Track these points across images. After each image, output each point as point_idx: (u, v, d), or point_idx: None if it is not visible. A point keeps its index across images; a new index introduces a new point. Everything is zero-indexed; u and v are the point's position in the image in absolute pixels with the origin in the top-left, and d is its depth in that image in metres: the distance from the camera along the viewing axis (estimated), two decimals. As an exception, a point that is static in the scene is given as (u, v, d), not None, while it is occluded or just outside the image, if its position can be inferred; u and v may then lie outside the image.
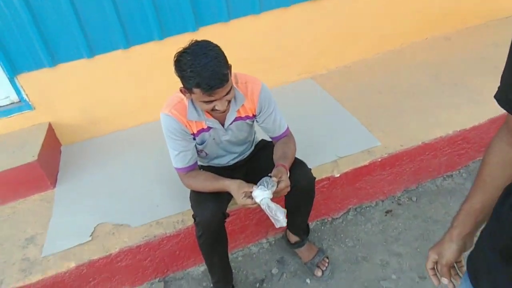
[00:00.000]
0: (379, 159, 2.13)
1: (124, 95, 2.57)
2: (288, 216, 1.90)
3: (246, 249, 2.12)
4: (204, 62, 1.32)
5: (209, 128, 1.62)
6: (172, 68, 1.41)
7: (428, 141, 2.20)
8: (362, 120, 2.43)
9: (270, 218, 1.44)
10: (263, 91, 1.63)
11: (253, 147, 1.90)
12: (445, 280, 0.95)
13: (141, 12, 2.34)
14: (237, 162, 1.85)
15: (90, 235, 1.90)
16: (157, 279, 2.01)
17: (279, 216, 1.43)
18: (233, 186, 1.51)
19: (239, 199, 1.48)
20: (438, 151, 2.26)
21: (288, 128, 1.77)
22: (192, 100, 1.54)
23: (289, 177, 1.57)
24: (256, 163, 1.87)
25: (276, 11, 2.67)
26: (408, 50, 3.13)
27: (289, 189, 1.53)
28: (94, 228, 1.95)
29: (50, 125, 2.50)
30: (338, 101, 2.64)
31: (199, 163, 1.82)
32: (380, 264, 1.97)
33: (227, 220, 1.68)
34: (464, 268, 0.93)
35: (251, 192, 1.46)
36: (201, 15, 2.48)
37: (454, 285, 0.96)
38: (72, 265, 1.79)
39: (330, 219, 2.23)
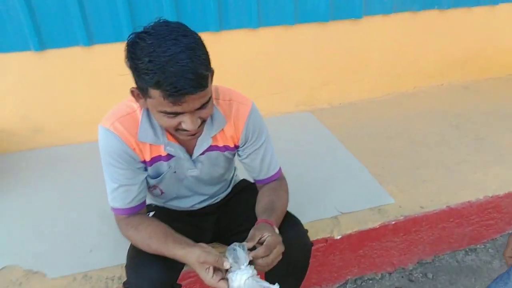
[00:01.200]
0: (393, 222, 1.64)
1: (78, 102, 2.06)
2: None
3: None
4: (172, 51, 0.84)
5: (169, 156, 1.11)
6: None
7: (454, 206, 1.73)
8: (371, 168, 1.96)
9: None
10: (253, 115, 1.14)
11: (230, 188, 1.39)
12: None
13: (111, 6, 1.89)
14: (205, 207, 1.33)
15: (-16, 286, 1.32)
16: None
17: None
18: (191, 257, 0.96)
19: (206, 278, 0.94)
20: (464, 218, 1.79)
21: (280, 170, 1.27)
22: (148, 111, 1.05)
23: None
24: (232, 211, 1.35)
25: (277, 28, 2.27)
26: (422, 95, 2.75)
27: (282, 250, 1.01)
28: (-6, 274, 1.37)
29: (-22, 127, 1.96)
30: (342, 143, 2.18)
31: (150, 201, 1.30)
32: None
33: (179, 291, 1.14)
34: None
35: (219, 268, 0.94)
36: (187, 19, 2.04)
37: None
38: None
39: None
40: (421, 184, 1.85)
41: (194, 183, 1.22)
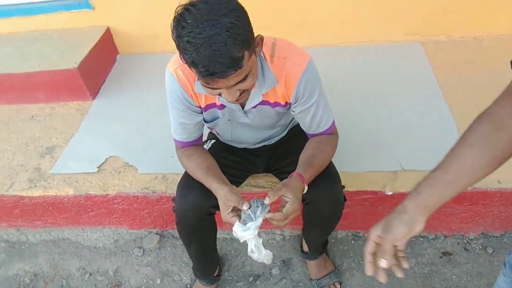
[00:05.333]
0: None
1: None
2: (303, 226, 1.54)
3: (255, 233, 1.84)
4: (207, 33, 0.87)
5: (223, 106, 1.22)
6: None
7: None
8: (462, 126, 1.76)
9: (249, 249, 1.10)
10: (306, 76, 1.14)
11: (286, 131, 1.47)
12: (384, 263, 0.75)
13: None
14: (260, 147, 1.46)
15: (98, 167, 1.79)
16: (155, 230, 1.88)
17: (260, 257, 1.09)
18: (220, 193, 1.15)
19: (223, 213, 1.13)
20: (556, 204, 1.56)
21: (333, 125, 1.28)
22: None
23: (307, 193, 1.16)
24: (283, 152, 1.45)
25: None
26: None
27: (296, 215, 1.12)
28: (105, 159, 1.83)
29: (108, 30, 2.34)
30: (442, 88, 1.95)
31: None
32: (402, 318, 1.54)
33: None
34: (406, 262, 0.76)
35: (237, 211, 1.11)
36: None
37: (386, 277, 0.77)
38: (71, 192, 1.72)
39: (366, 235, 1.78)
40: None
41: (248, 129, 1.33)
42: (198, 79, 0.98)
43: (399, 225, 0.74)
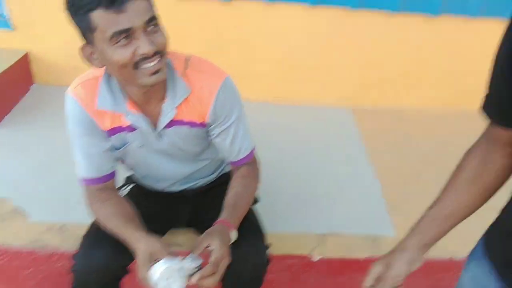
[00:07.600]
0: (383, 259, 1.49)
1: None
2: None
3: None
4: None
5: (132, 128, 1.04)
6: None
7: (459, 259, 1.52)
8: (387, 190, 1.77)
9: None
10: (224, 89, 1.02)
11: (214, 175, 1.30)
12: None
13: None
14: (183, 191, 1.27)
15: (-22, 210, 1.47)
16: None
17: None
18: (144, 244, 0.93)
19: (143, 268, 0.91)
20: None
21: (252, 152, 1.16)
22: (108, 78, 0.98)
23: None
24: (210, 203, 1.23)
25: (335, 10, 2.06)
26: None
27: (226, 263, 0.95)
28: (-10, 201, 1.51)
29: (26, 55, 2.09)
30: (368, 153, 1.99)
31: (131, 172, 1.28)
32: None
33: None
34: None
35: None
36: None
37: None
38: None
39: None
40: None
41: (166, 160, 1.15)
42: (105, 35, 0.83)
43: (401, 263, 0.78)
